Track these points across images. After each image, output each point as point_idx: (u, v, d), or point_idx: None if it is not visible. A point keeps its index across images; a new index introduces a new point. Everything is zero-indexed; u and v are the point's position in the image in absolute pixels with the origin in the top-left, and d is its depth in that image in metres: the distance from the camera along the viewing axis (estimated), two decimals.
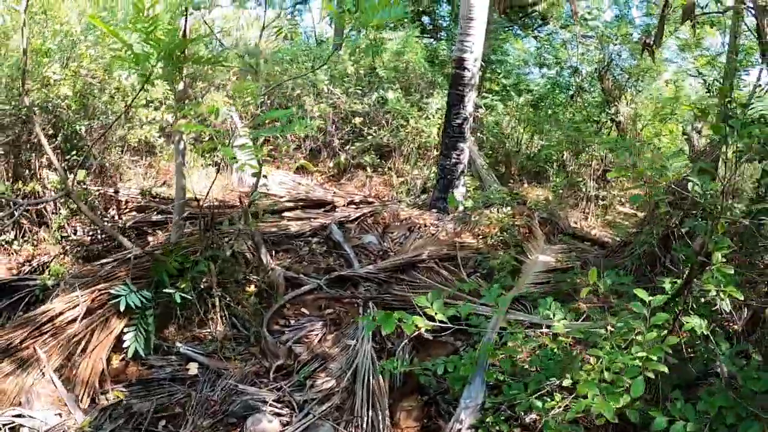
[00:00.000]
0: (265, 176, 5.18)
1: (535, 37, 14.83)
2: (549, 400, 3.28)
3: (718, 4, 8.88)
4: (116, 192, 6.49)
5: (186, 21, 4.45)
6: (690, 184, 2.73)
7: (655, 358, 2.69)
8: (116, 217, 6.35)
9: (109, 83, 6.64)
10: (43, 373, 3.55)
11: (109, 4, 7.52)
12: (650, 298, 2.89)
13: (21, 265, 5.66)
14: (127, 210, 6.55)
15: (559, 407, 3.21)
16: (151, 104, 7.11)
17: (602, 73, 11.00)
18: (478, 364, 3.82)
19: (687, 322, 3.03)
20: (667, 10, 8.44)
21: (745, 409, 2.69)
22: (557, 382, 3.38)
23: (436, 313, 3.27)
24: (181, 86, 4.84)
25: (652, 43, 8.46)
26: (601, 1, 12.69)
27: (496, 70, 12.43)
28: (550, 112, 11.51)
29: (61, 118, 6.21)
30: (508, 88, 11.88)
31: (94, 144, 6.01)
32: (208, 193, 5.23)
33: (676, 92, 11.37)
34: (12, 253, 5.79)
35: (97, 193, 6.33)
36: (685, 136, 9.05)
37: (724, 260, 2.87)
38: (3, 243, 5.80)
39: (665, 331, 2.92)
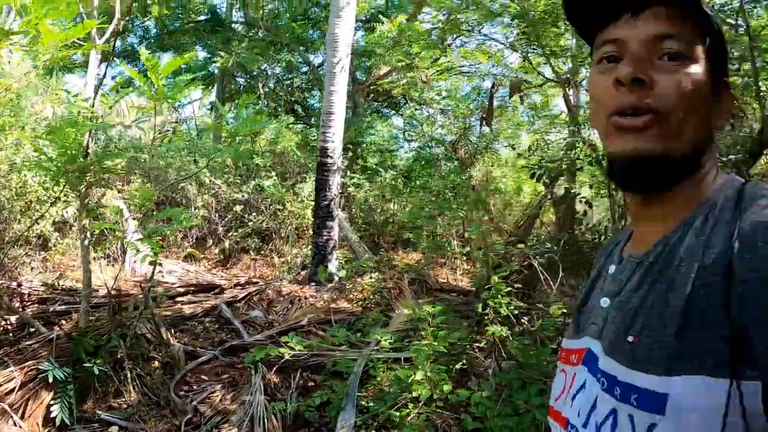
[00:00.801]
0: (160, 264, 6.28)
1: (402, 115, 16.69)
2: (404, 410, 4.55)
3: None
4: (19, 285, 7.33)
5: (89, 136, 5.60)
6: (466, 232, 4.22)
7: (436, 344, 4.09)
8: (21, 309, 7.16)
9: (13, 181, 7.58)
10: None
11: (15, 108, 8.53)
12: (432, 309, 4.31)
13: None
14: (29, 302, 7.37)
15: (413, 414, 4.50)
16: (47, 201, 8.04)
17: (455, 144, 12.79)
18: (348, 394, 5.04)
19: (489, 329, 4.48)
20: (494, 89, 10.40)
21: (528, 376, 4.10)
22: (410, 396, 4.66)
23: (294, 347, 4.59)
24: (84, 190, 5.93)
25: (486, 116, 10.35)
26: (451, 80, 14.68)
27: (367, 150, 14.03)
28: (419, 182, 13.13)
29: None
30: (375, 166, 13.45)
31: (12, 242, 6.88)
32: (115, 280, 6.26)
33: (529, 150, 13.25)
34: None
35: None
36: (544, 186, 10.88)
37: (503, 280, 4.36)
38: None
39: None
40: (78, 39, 5.18)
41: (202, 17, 16.67)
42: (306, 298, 8.56)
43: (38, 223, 8.05)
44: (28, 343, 5.63)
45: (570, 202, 8.63)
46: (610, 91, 0.99)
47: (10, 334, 6.48)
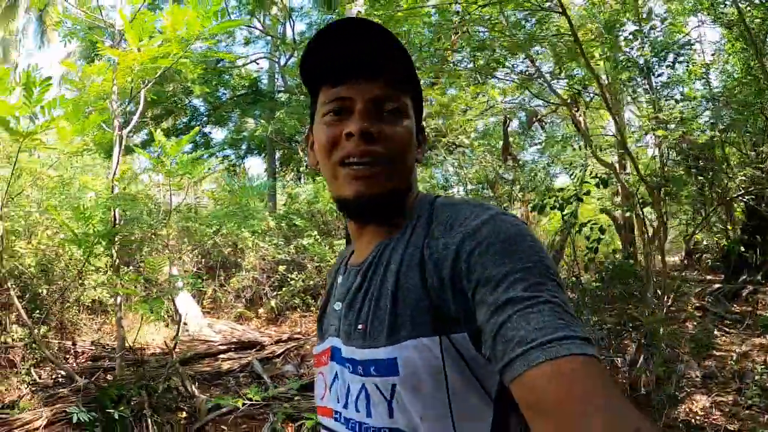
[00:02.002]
0: (185, 323, 7.31)
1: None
2: None
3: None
4: (74, 344, 8.55)
5: (114, 213, 6.75)
6: None
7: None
8: (75, 365, 8.35)
9: (63, 254, 8.91)
10: None
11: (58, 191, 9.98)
12: None
13: None
14: (84, 361, 8.55)
15: None
16: (99, 270, 9.30)
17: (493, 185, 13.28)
18: None
19: None
20: (507, 123, 11.15)
21: None
22: None
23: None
24: (115, 258, 7.07)
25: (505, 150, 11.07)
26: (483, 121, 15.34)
27: None
28: None
29: (26, 282, 8.39)
30: None
31: (53, 304, 8.15)
32: (135, 337, 7.34)
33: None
34: None
35: (57, 345, 8.38)
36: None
37: None
38: None
39: None
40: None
41: (244, 90, 18.13)
42: None
43: (95, 290, 9.32)
44: (61, 390, 6.72)
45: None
46: (341, 140, 1.20)
47: (61, 388, 7.66)
